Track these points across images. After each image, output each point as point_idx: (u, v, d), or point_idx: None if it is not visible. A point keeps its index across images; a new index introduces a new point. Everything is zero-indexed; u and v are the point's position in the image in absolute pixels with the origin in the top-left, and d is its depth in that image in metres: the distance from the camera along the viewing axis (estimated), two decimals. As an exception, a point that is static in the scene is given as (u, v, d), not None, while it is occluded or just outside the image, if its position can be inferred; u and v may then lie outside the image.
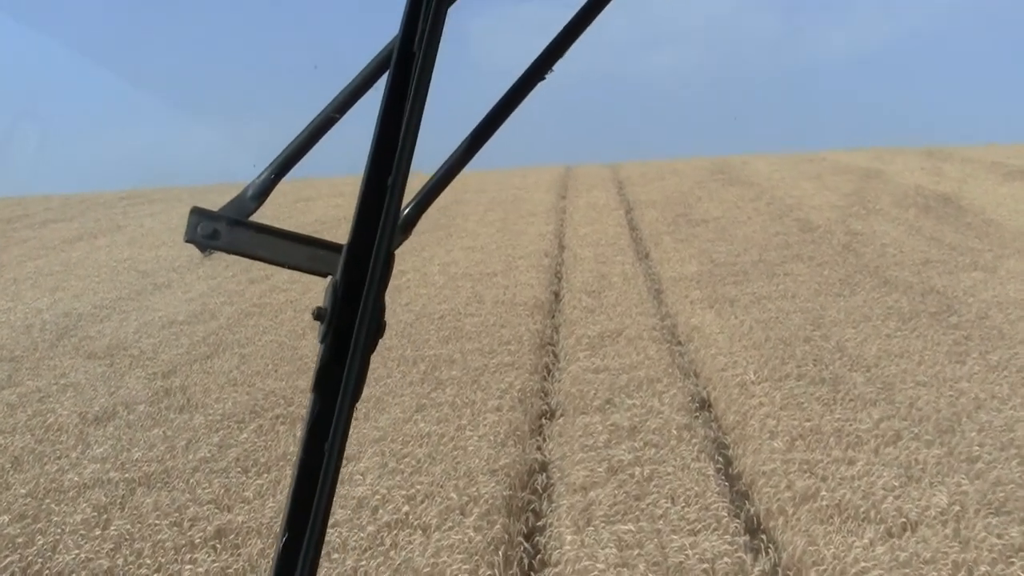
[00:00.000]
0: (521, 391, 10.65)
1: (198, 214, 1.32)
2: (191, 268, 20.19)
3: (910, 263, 16.18)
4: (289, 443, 9.77)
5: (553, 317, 14.43)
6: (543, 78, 1.39)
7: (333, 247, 1.28)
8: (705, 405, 10.32)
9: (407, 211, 1.36)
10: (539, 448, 9.26)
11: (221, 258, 16.77)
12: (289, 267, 1.31)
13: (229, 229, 1.32)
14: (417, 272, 17.65)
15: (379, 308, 1.23)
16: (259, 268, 19.50)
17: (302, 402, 11.15)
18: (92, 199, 34.98)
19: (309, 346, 13.56)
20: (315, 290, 17.22)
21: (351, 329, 1.21)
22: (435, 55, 1.20)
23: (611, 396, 10.30)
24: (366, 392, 1.23)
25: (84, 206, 33.35)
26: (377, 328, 1.23)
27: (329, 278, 1.26)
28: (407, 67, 1.20)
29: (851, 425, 8.99)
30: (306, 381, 12.59)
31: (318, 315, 1.23)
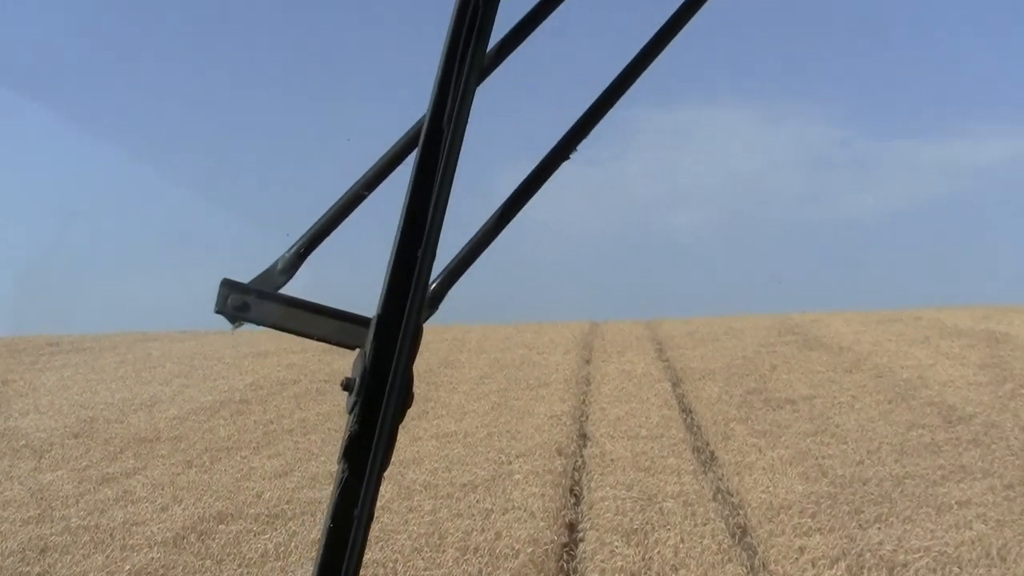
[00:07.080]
0: None
1: (228, 286, 1.36)
2: (43, 451, 13.74)
3: None
4: None
5: (562, 591, 7.81)
6: (568, 157, 1.44)
7: (361, 320, 1.32)
8: None
9: (434, 286, 1.38)
10: None
11: (85, 441, 9.71)
12: (318, 339, 1.34)
13: (259, 302, 1.36)
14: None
15: (408, 379, 1.26)
16: (116, 462, 13.01)
17: None
18: (15, 344, 28.95)
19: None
20: (181, 503, 10.69)
21: (379, 399, 1.24)
22: (463, 131, 1.25)
23: None
24: None
25: None
26: (406, 399, 1.26)
27: (358, 350, 1.29)
28: (437, 143, 1.24)
29: None
30: None
31: (347, 385, 1.26)
